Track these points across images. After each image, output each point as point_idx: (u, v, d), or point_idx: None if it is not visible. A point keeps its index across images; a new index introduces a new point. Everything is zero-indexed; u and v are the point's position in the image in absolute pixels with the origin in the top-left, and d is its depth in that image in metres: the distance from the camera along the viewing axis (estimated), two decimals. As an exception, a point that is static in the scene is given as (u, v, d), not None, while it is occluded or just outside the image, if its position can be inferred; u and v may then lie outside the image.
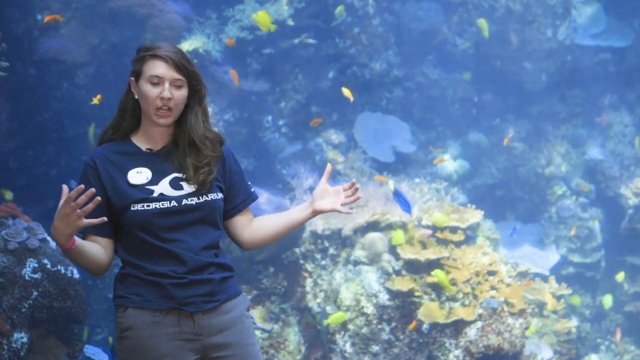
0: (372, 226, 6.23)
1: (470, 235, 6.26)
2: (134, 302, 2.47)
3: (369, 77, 7.75)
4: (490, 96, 8.45)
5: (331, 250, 6.30)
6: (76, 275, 4.65)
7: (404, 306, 5.91)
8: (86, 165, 2.52)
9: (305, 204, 2.67)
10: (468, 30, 8.30)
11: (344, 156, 7.39)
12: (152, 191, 2.49)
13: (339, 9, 7.42)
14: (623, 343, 7.37)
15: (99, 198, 2.29)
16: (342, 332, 5.98)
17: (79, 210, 2.27)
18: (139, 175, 2.51)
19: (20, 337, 4.35)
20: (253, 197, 2.72)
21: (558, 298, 6.82)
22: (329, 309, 6.04)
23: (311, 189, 6.78)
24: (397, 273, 6.01)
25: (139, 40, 6.61)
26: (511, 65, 8.29)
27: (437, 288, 5.87)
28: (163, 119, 2.50)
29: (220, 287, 2.54)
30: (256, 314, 6.06)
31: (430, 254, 5.93)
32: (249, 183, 2.73)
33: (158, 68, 2.48)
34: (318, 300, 6.16)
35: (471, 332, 5.69)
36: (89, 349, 5.25)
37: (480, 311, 5.73)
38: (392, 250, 6.10)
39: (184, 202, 2.50)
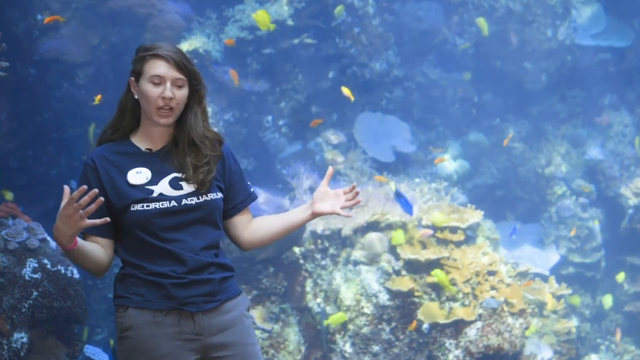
0: (372, 226, 6.23)
1: (470, 235, 6.26)
2: (135, 302, 2.47)
3: (369, 77, 7.76)
4: (490, 96, 8.45)
5: (331, 250, 6.30)
6: (76, 275, 4.65)
7: (404, 306, 5.91)
8: (86, 166, 2.52)
9: (305, 205, 2.67)
10: (468, 30, 8.30)
11: (344, 156, 7.39)
12: (152, 191, 2.49)
13: (339, 9, 7.42)
14: (623, 343, 7.37)
15: (102, 199, 2.30)
16: (342, 332, 5.98)
17: (81, 211, 2.27)
18: (138, 176, 2.51)
19: (20, 337, 4.35)
20: (252, 197, 2.72)
21: (558, 298, 6.82)
22: (329, 309, 6.04)
23: (311, 189, 6.78)
24: (397, 273, 6.01)
25: (139, 40, 6.61)
26: (511, 65, 8.29)
27: (437, 288, 5.87)
28: (164, 118, 2.51)
29: (221, 287, 2.54)
30: (256, 314, 6.06)
31: (430, 254, 5.93)
32: (249, 183, 2.73)
33: (159, 68, 2.48)
34: (318, 300, 6.16)
35: (471, 332, 5.69)
36: (89, 349, 5.24)
37: (480, 311, 5.73)
38: (392, 250, 6.10)
39: (184, 202, 2.50)
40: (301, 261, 6.31)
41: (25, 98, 6.30)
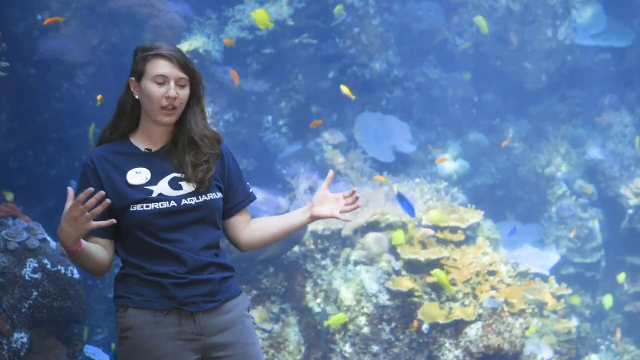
0: (372, 226, 6.23)
1: (470, 235, 6.26)
2: (135, 302, 2.47)
3: (369, 77, 7.76)
4: (490, 96, 8.45)
5: (331, 250, 6.30)
6: (76, 275, 4.65)
7: (404, 306, 5.91)
8: (85, 167, 2.52)
9: (304, 208, 2.67)
10: (468, 30, 8.30)
11: (344, 156, 7.39)
12: (151, 191, 2.49)
13: (338, 8, 7.42)
14: (623, 343, 7.37)
15: (108, 201, 2.31)
16: (342, 332, 5.98)
17: (87, 213, 2.27)
18: (138, 176, 2.51)
19: (20, 337, 4.35)
20: (251, 198, 2.72)
21: (558, 298, 6.82)
22: (329, 309, 6.04)
23: (311, 189, 6.78)
24: (397, 273, 6.01)
25: (139, 40, 6.61)
26: (511, 65, 8.29)
27: (437, 288, 5.87)
28: (168, 117, 2.51)
29: (221, 287, 2.54)
30: (256, 314, 6.06)
31: (430, 254, 5.93)
32: (248, 183, 2.74)
33: (163, 67, 2.49)
34: (318, 300, 6.16)
35: (471, 332, 5.69)
36: (89, 349, 5.24)
37: (480, 311, 5.73)
38: (392, 250, 6.10)
39: (183, 202, 2.50)
40: (301, 261, 6.31)
41: (25, 98, 6.30)
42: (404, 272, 5.99)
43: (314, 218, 2.64)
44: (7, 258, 4.45)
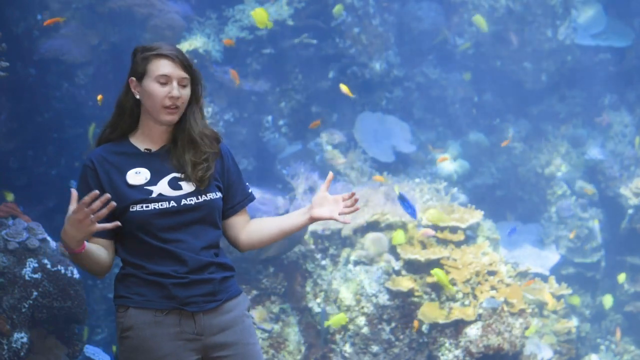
0: (372, 226, 6.23)
1: (470, 235, 6.26)
2: (135, 302, 2.47)
3: (369, 77, 7.76)
4: (490, 96, 8.45)
5: (331, 250, 6.30)
6: (76, 275, 4.65)
7: (404, 306, 5.91)
8: (84, 167, 2.52)
9: (304, 209, 2.67)
10: (468, 30, 8.30)
11: (343, 156, 7.39)
12: (151, 192, 2.49)
13: (337, 8, 7.42)
14: (623, 343, 7.37)
15: (114, 203, 2.31)
16: (342, 332, 5.98)
17: (92, 216, 2.27)
18: (137, 176, 2.51)
19: (20, 337, 4.35)
20: (250, 198, 2.72)
21: (558, 298, 6.82)
22: (329, 309, 6.04)
23: (311, 189, 6.78)
24: (397, 273, 6.01)
25: (139, 40, 6.60)
26: (511, 65, 8.29)
27: (437, 288, 5.87)
28: (171, 116, 2.52)
29: (221, 287, 2.54)
30: (256, 314, 6.06)
31: (430, 254, 5.93)
32: (247, 184, 2.74)
33: (165, 67, 2.49)
34: (318, 300, 6.16)
35: (471, 332, 5.69)
36: (89, 349, 5.24)
37: (480, 311, 5.73)
38: (392, 250, 6.11)
39: (183, 202, 2.50)
40: (301, 261, 6.31)
41: (25, 98, 6.30)
42: (404, 272, 5.99)
43: (313, 220, 2.64)
44: (7, 258, 4.45)
